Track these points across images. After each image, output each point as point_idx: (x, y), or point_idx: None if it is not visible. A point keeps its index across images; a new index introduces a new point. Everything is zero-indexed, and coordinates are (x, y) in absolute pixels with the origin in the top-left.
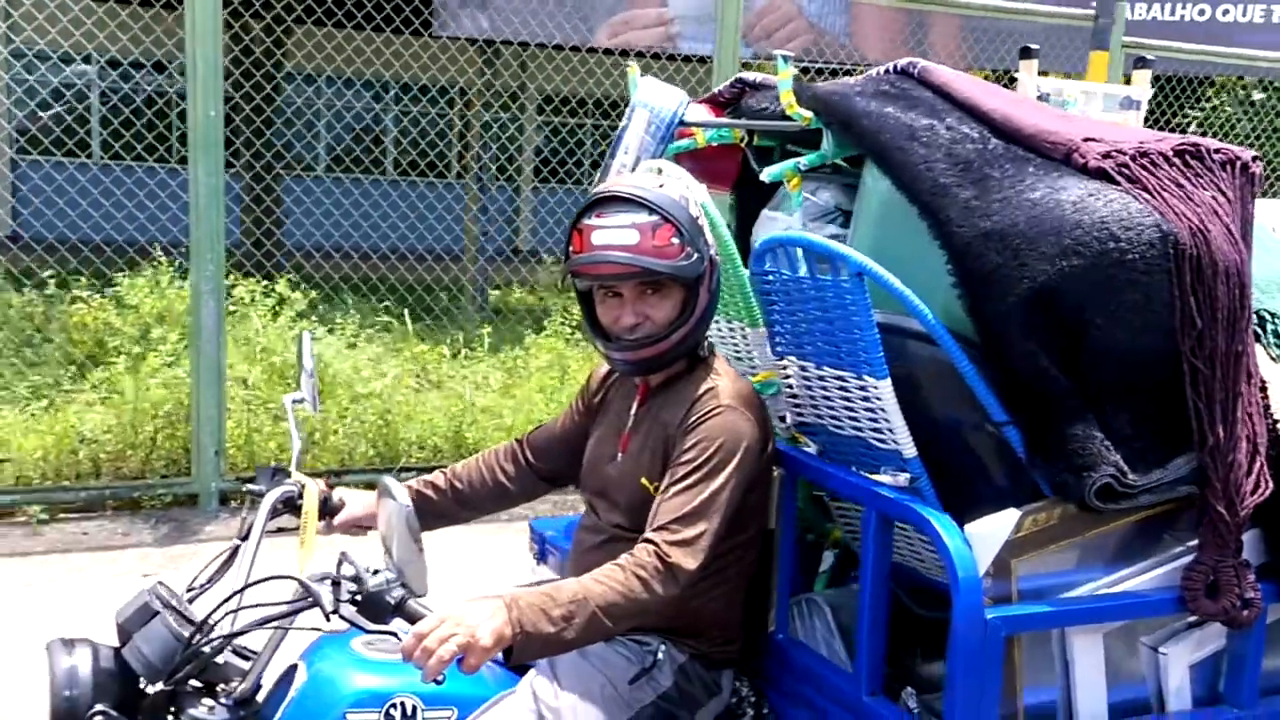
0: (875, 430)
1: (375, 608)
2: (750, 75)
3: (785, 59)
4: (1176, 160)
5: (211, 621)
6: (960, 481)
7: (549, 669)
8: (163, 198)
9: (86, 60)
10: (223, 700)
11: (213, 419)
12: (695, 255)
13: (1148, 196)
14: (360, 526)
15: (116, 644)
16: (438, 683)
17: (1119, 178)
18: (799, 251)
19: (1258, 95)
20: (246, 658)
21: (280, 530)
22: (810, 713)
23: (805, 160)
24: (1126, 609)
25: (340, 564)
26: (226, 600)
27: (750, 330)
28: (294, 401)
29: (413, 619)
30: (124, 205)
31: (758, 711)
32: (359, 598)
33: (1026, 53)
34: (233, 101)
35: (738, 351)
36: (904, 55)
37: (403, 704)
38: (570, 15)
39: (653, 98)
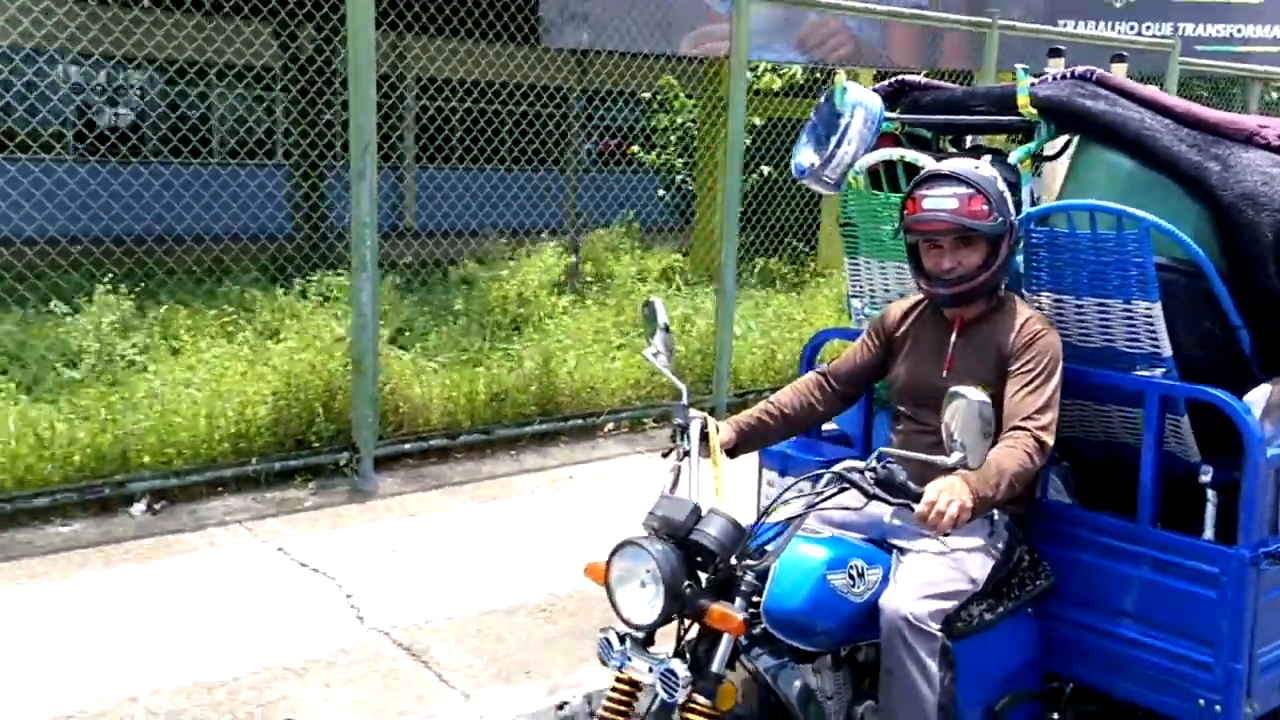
0: (1131, 339)
1: (891, 487)
2: (912, 77)
3: (1025, 71)
4: None
5: (770, 510)
6: (1198, 370)
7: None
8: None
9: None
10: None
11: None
12: (999, 219)
13: None
14: (736, 448)
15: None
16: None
17: None
18: (1083, 217)
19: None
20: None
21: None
22: (1078, 549)
23: (1026, 149)
24: None
25: (875, 461)
26: (780, 495)
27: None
28: (652, 354)
29: (915, 495)
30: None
31: (1032, 555)
32: (880, 481)
33: (1056, 52)
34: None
35: (888, 284)
36: (923, 61)
37: (856, 565)
38: (655, 29)
39: (863, 99)
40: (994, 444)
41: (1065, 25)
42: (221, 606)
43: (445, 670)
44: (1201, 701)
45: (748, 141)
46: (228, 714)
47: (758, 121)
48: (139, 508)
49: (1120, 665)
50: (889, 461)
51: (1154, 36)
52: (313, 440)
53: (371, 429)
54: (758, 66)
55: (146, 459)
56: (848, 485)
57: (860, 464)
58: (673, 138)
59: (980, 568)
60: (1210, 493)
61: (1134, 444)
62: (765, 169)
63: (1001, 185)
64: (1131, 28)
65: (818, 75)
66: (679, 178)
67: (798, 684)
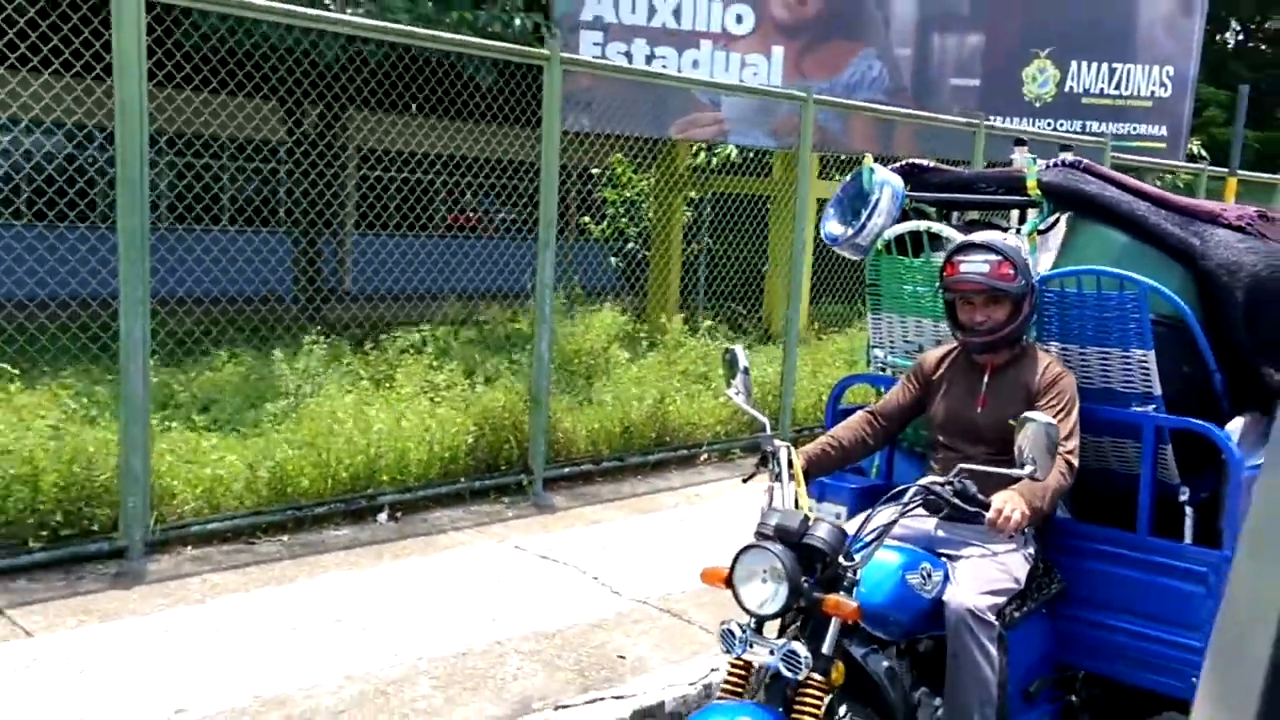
0: (1127, 381)
1: (966, 498)
2: (919, 161)
3: (1034, 159)
4: (1267, 220)
5: (871, 519)
6: (1177, 406)
7: (983, 541)
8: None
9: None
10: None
11: None
12: (1023, 281)
13: (1270, 240)
14: (806, 474)
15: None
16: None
17: (1251, 230)
18: (1091, 281)
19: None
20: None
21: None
22: (1085, 559)
23: (1033, 223)
24: None
25: (953, 476)
26: (875, 508)
27: (929, 322)
28: (735, 394)
29: (985, 504)
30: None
31: (1045, 563)
32: (958, 493)
33: (1019, 141)
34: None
35: (907, 336)
36: (875, 148)
37: (925, 567)
38: (648, 116)
39: (889, 179)
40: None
41: (994, 120)
42: (508, 585)
43: (704, 625)
44: (1194, 679)
45: (689, 214)
46: (572, 653)
47: (694, 194)
48: (383, 516)
49: (1124, 654)
50: (964, 477)
51: (1065, 132)
52: (501, 464)
53: (543, 455)
54: (692, 146)
55: (385, 478)
56: (932, 497)
57: (940, 480)
58: (622, 209)
59: (1021, 569)
60: (1189, 509)
61: (1121, 469)
62: (707, 239)
63: (1026, 254)
64: (1048, 124)
65: (749, 156)
66: (630, 245)
67: (885, 664)
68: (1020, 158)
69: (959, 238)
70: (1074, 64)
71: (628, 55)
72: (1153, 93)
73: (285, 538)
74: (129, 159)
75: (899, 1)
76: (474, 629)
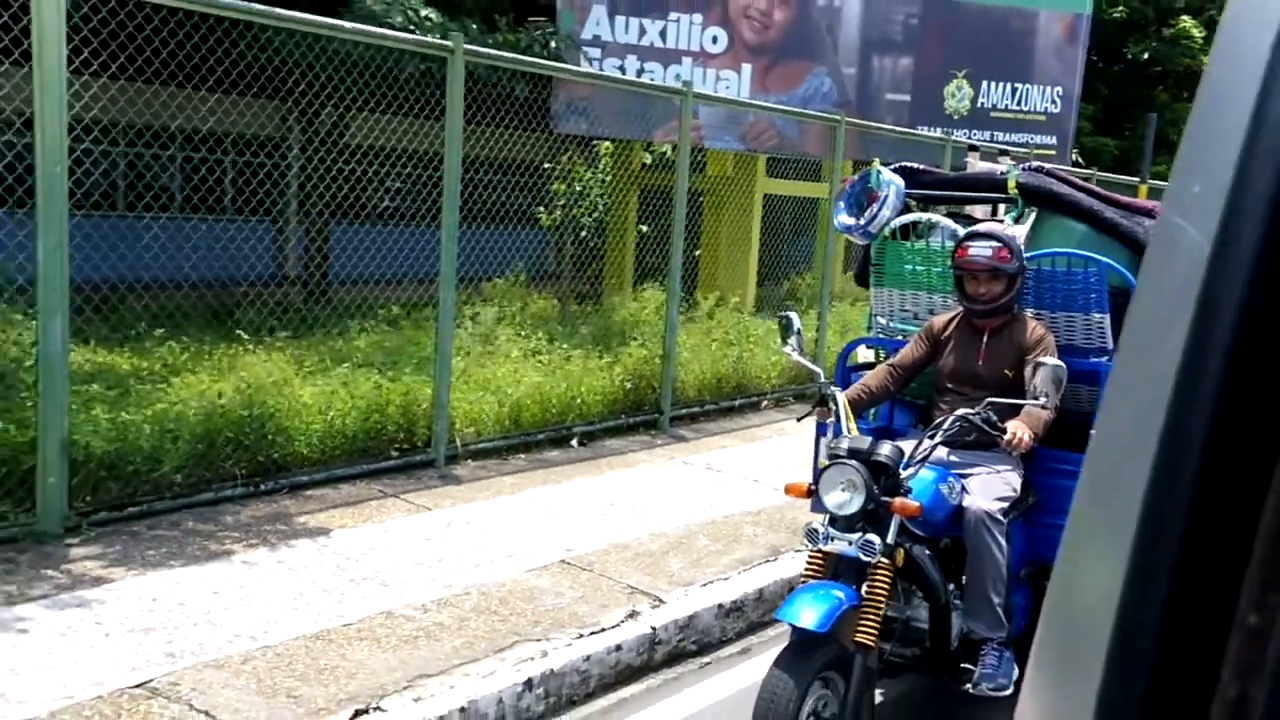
0: (1086, 338)
1: (990, 424)
2: (911, 163)
3: (1013, 167)
4: None
5: (925, 441)
6: None
7: (988, 463)
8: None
9: None
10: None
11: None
12: (1017, 263)
13: None
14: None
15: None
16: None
17: None
18: (1062, 260)
19: None
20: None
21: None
22: (1054, 476)
23: (1012, 216)
24: None
25: (978, 410)
26: (921, 435)
27: (924, 294)
28: (790, 350)
29: (1003, 429)
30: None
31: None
32: (985, 420)
33: (973, 147)
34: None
35: (905, 305)
36: (822, 151)
37: (950, 481)
38: (637, 121)
39: (893, 179)
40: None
41: (921, 129)
42: (699, 485)
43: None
44: None
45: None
46: (780, 521)
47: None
48: (575, 443)
49: None
50: (990, 409)
51: (982, 141)
52: (644, 406)
53: (669, 399)
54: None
55: (573, 415)
56: (966, 424)
57: (970, 411)
58: (581, 201)
59: (1016, 482)
60: None
61: (1081, 408)
62: (643, 228)
63: (1020, 242)
64: (965, 133)
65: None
66: (583, 233)
67: (926, 553)
68: (976, 162)
69: (954, 227)
70: (984, 83)
71: (621, 69)
72: (1046, 109)
73: (523, 456)
74: None
75: (846, 28)
76: (704, 509)
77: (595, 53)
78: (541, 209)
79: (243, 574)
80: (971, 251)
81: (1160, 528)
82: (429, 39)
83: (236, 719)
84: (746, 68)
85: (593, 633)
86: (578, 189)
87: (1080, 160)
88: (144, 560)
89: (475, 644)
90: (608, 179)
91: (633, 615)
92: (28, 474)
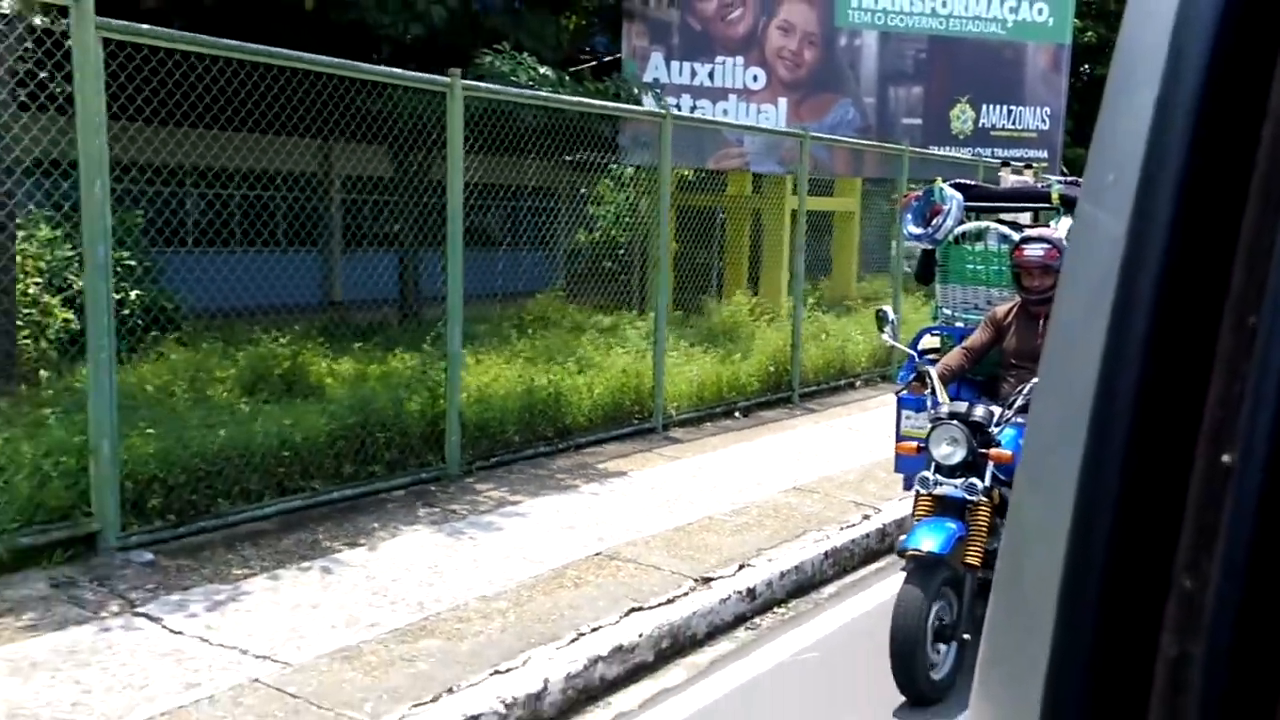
0: None
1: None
2: (964, 180)
3: (1059, 181)
4: None
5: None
6: None
7: None
8: None
9: None
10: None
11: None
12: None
13: None
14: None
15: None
16: None
17: None
18: None
19: None
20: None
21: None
22: None
23: (1057, 218)
24: None
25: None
26: (1010, 399)
27: (983, 289)
28: (888, 337)
29: None
30: None
31: None
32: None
33: (1005, 163)
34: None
35: (966, 299)
36: (850, 172)
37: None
38: (691, 151)
39: (954, 194)
40: None
41: (932, 149)
42: (845, 442)
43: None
44: None
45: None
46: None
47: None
48: (738, 414)
49: None
50: None
51: (975, 157)
52: (779, 385)
53: (798, 379)
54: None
55: (735, 393)
56: None
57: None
58: (613, 220)
59: None
60: None
61: None
62: (675, 244)
63: (1065, 243)
64: (971, 151)
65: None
66: (620, 251)
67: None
68: (1009, 176)
69: (1005, 231)
70: (985, 106)
71: (677, 106)
72: (1037, 127)
73: (709, 424)
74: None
75: (865, 64)
76: (866, 455)
77: (655, 92)
78: (582, 231)
79: (593, 500)
80: (1027, 252)
81: (1095, 507)
82: (430, 76)
83: (667, 566)
84: (783, 101)
85: (846, 527)
86: (609, 210)
87: (1065, 170)
88: (524, 491)
89: (778, 533)
90: (639, 202)
91: (866, 517)
92: (440, 435)
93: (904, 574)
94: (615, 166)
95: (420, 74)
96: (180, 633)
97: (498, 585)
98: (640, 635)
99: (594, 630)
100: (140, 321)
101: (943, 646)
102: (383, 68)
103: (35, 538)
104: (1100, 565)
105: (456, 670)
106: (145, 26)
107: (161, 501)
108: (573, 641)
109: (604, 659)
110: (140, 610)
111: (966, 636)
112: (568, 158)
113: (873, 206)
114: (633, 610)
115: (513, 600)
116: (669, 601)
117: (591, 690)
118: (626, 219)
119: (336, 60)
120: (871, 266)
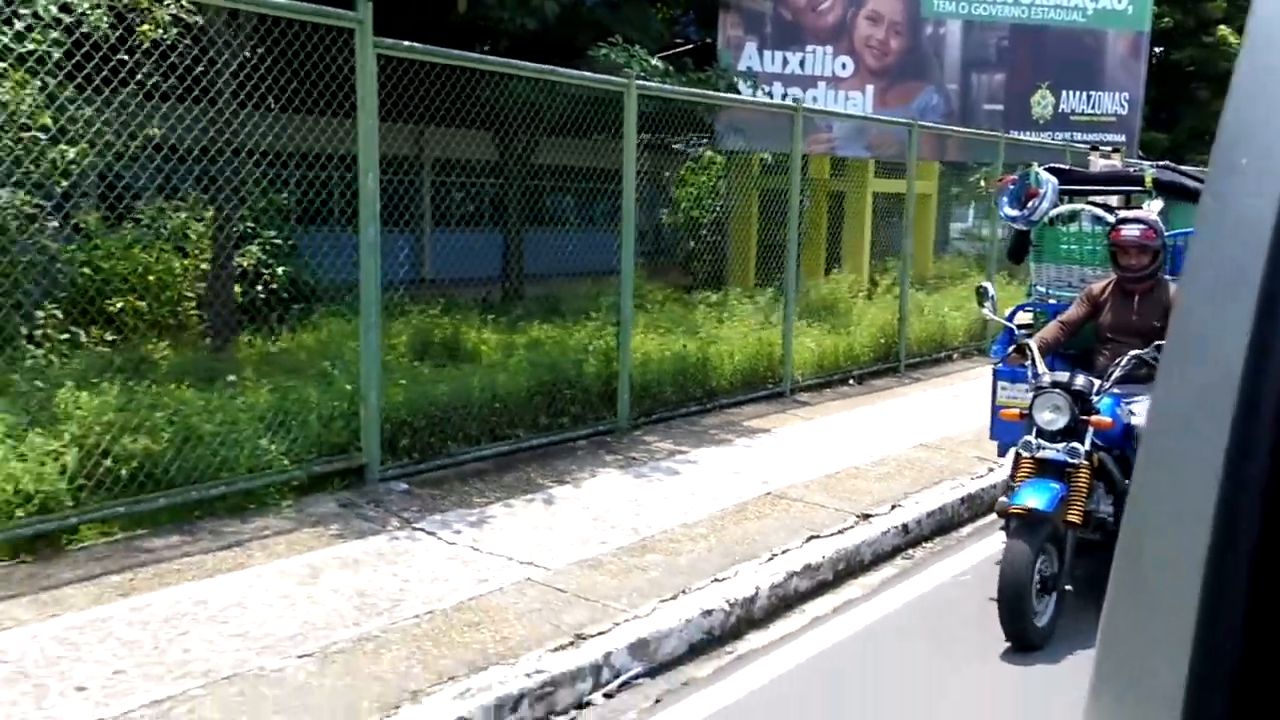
0: None
1: (1158, 361)
2: (1059, 165)
3: (1151, 165)
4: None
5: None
6: None
7: (1147, 393)
8: None
9: None
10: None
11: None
12: (1159, 241)
13: None
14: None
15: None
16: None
17: None
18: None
19: None
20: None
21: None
22: None
23: (1152, 204)
24: None
25: (1146, 351)
26: (1109, 370)
27: (1076, 268)
28: (988, 312)
29: None
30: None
31: None
32: (1152, 358)
33: (1095, 148)
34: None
35: (1060, 277)
36: (932, 156)
37: (1124, 405)
38: (785, 136)
39: (1049, 178)
40: None
41: (1012, 133)
42: (945, 408)
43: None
44: None
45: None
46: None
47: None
48: (852, 381)
49: None
50: (1157, 350)
51: (1063, 142)
52: (888, 355)
53: (904, 350)
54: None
55: (849, 361)
56: (1139, 361)
57: (1144, 352)
58: (695, 202)
59: None
60: None
61: None
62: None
63: (1161, 224)
64: (1049, 135)
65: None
66: (703, 231)
67: (1110, 459)
68: (1098, 160)
69: (1097, 212)
70: (1064, 92)
71: (769, 94)
72: (1115, 111)
73: (829, 390)
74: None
75: (949, 51)
76: (978, 419)
77: (750, 80)
78: (664, 211)
79: (746, 451)
80: (1124, 232)
81: (1239, 501)
82: (609, 78)
83: (830, 504)
84: (870, 88)
85: (976, 477)
86: (692, 191)
87: (1142, 153)
88: (686, 443)
89: (917, 480)
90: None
91: (991, 469)
92: (613, 393)
93: (1005, 531)
94: (696, 151)
95: (600, 75)
96: (453, 544)
97: (693, 516)
98: (823, 557)
99: (784, 552)
100: (286, 294)
101: (1046, 597)
102: (571, 71)
103: (323, 466)
104: (1246, 568)
105: (682, 578)
106: (411, 44)
107: (409, 442)
108: (770, 559)
109: (797, 574)
110: (417, 526)
111: (1068, 588)
112: (675, 144)
113: (947, 190)
114: (812, 538)
115: (710, 528)
116: (839, 532)
117: (788, 599)
118: (707, 201)
119: (535, 65)
120: (946, 248)
